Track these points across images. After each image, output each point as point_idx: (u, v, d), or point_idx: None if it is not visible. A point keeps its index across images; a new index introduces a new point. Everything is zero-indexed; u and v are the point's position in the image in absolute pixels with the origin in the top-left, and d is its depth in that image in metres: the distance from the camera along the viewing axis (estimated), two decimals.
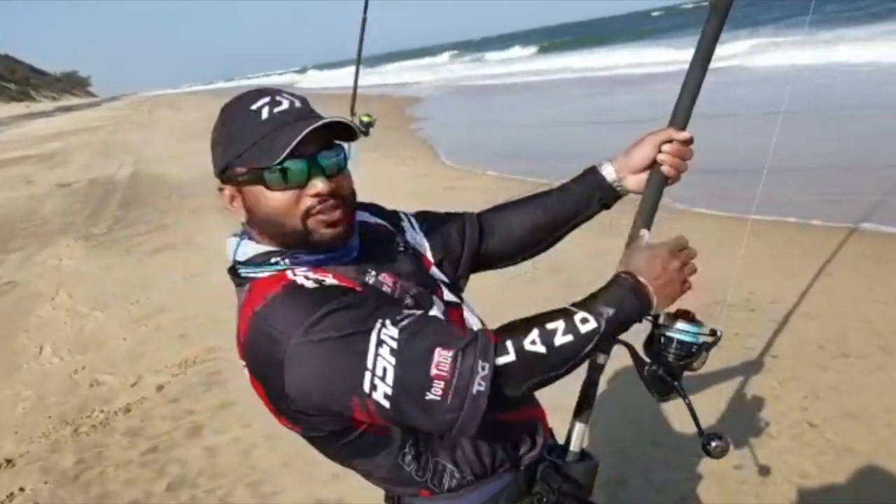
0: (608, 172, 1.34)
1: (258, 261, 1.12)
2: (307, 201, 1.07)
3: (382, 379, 0.95)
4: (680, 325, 1.19)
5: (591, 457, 1.28)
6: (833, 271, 4.52)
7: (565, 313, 1.03)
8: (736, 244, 5.13)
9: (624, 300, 1.05)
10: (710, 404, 3.13)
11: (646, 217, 1.28)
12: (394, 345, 0.96)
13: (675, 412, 3.01)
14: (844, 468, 2.69)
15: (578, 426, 1.27)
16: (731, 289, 4.36)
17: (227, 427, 3.61)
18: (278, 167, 1.04)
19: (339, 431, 1.08)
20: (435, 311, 1.15)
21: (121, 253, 7.67)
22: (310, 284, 1.04)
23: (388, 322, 0.98)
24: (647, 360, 1.22)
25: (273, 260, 1.10)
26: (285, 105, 1.08)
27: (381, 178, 8.42)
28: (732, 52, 18.31)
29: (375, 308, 1.01)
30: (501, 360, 0.98)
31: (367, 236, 1.21)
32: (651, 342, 1.22)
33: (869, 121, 8.95)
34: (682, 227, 5.32)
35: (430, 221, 1.39)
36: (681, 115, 1.27)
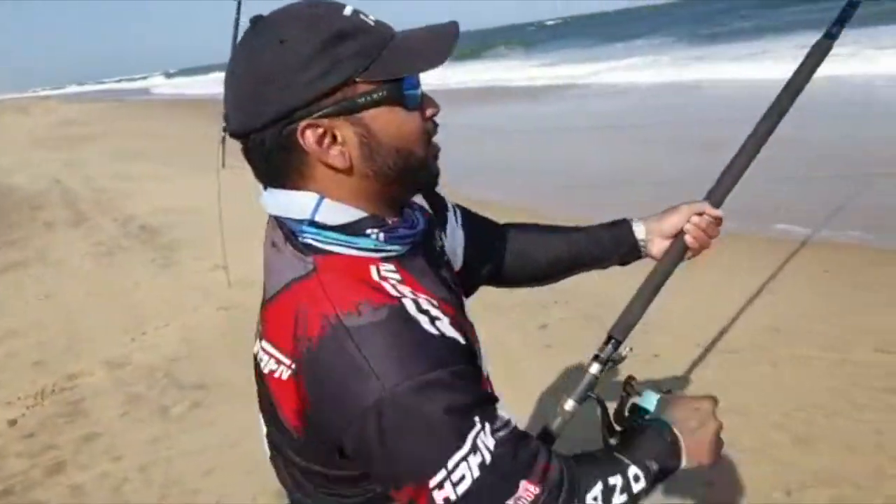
0: (639, 231, 1.32)
1: (353, 230, 0.89)
2: (428, 124, 0.91)
3: (455, 485, 0.80)
4: (649, 394, 1.14)
5: None
6: (704, 271, 4.75)
7: (622, 467, 0.94)
8: None
9: (666, 456, 0.99)
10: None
11: (657, 281, 1.26)
12: (487, 458, 0.81)
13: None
14: (729, 462, 2.78)
15: None
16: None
17: (94, 461, 3.30)
18: (412, 82, 0.87)
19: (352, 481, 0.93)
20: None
21: None
22: (427, 325, 0.84)
23: (487, 427, 0.83)
24: (617, 428, 1.16)
25: (368, 231, 0.89)
26: (373, 16, 0.89)
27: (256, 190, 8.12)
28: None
29: (478, 398, 0.85)
30: None
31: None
32: (620, 408, 1.16)
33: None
34: None
35: (469, 218, 1.26)
36: (719, 193, 1.27)
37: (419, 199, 1.08)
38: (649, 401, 1.14)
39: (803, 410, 3.04)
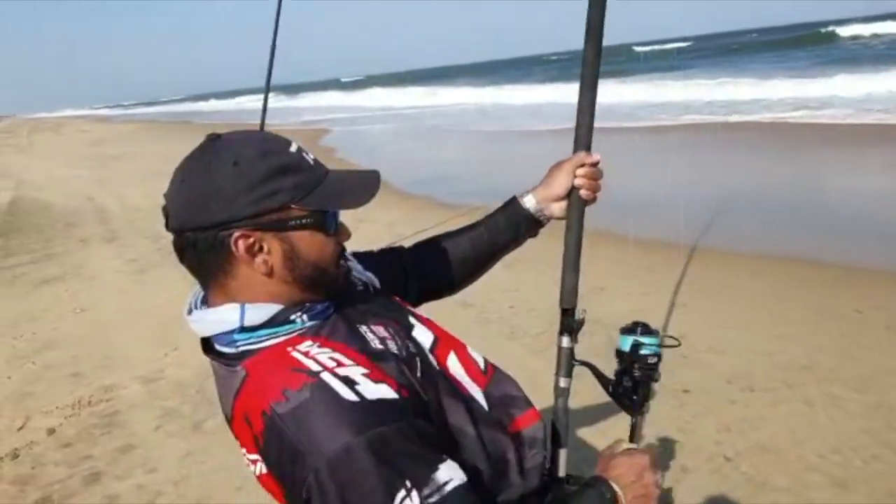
0: (530, 203, 1.39)
1: (279, 320, 1.00)
2: (339, 248, 1.07)
3: None
4: (644, 338, 1.23)
5: (578, 480, 1.26)
6: (733, 305, 4.76)
7: None
8: (637, 276, 5.35)
9: None
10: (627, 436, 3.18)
11: (574, 241, 1.32)
12: None
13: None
14: (764, 502, 2.76)
15: (561, 452, 1.25)
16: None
17: (130, 473, 3.35)
18: (334, 214, 1.03)
19: None
20: (425, 342, 1.12)
21: (2, 284, 7.11)
22: (346, 393, 0.91)
23: (413, 493, 0.87)
24: (612, 378, 1.26)
25: (292, 317, 1.01)
26: (311, 155, 1.05)
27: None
28: None
29: (408, 461, 0.89)
30: None
31: None
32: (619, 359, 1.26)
33: None
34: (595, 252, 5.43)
35: (371, 259, 1.35)
36: (583, 139, 1.33)
37: None
38: (625, 341, 1.25)
39: (839, 453, 3.03)
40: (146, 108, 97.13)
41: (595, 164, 1.32)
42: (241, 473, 3.23)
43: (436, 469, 0.90)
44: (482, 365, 1.18)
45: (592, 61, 1.30)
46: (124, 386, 4.34)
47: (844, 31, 39.31)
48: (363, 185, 1.05)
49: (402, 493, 0.86)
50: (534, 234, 1.44)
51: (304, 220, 0.99)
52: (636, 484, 1.09)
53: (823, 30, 43.07)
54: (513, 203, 1.42)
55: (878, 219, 6.54)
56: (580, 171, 1.31)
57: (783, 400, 3.55)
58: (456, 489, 0.90)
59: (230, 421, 1.01)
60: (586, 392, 1.38)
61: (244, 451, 0.99)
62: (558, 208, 1.37)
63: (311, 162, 1.02)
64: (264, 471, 0.96)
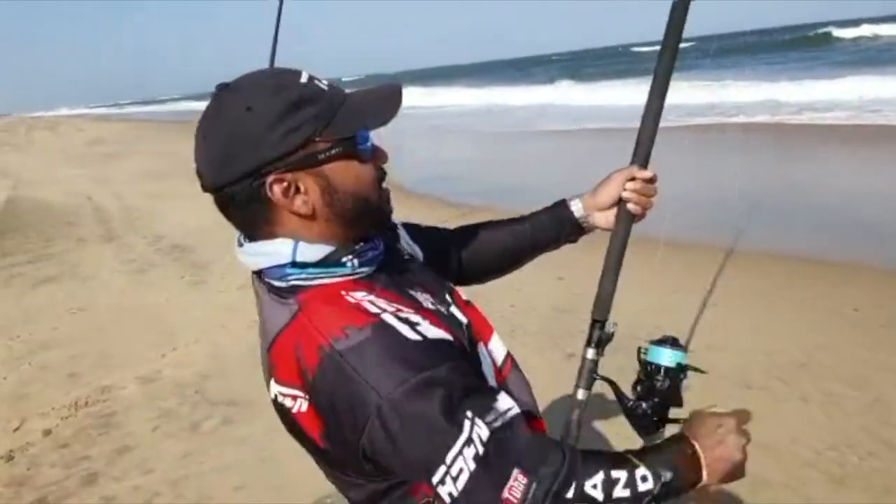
0: (577, 209, 1.39)
1: (331, 261, 1.00)
2: (378, 172, 1.04)
3: (455, 479, 0.87)
4: (667, 350, 1.18)
5: None
6: (732, 304, 4.75)
7: (630, 465, 0.96)
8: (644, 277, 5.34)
9: (683, 470, 0.99)
10: (628, 434, 3.18)
11: (615, 253, 1.29)
12: (480, 450, 0.88)
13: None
14: (762, 499, 2.76)
15: None
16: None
17: (127, 474, 3.34)
18: (364, 137, 0.98)
19: (383, 491, 1.01)
20: (461, 317, 1.12)
21: None
22: (409, 332, 0.93)
23: (478, 420, 0.89)
24: (631, 397, 1.21)
25: (344, 259, 1.00)
26: (325, 81, 1.00)
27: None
28: None
29: (468, 393, 0.91)
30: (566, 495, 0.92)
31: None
32: (638, 378, 1.21)
33: None
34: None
35: (419, 232, 1.37)
36: (641, 153, 1.30)
37: None
38: (656, 353, 1.18)
39: (836, 450, 3.03)
40: (143, 106, 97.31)
41: (649, 181, 1.29)
42: (239, 474, 3.24)
43: (495, 399, 0.93)
44: (502, 359, 1.19)
45: (664, 77, 1.27)
46: (122, 386, 4.33)
47: (848, 33, 39.40)
48: (385, 100, 1.01)
49: (468, 423, 0.88)
50: (574, 239, 1.44)
51: (332, 151, 0.96)
52: (718, 448, 1.01)
53: (823, 30, 43.20)
54: (560, 205, 1.42)
55: (879, 218, 6.54)
56: (629, 185, 1.28)
57: (780, 397, 3.55)
58: (517, 416, 0.93)
59: (269, 347, 1.01)
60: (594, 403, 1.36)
61: (278, 384, 0.99)
62: (602, 218, 1.36)
63: (326, 88, 0.98)
64: (304, 407, 0.95)
